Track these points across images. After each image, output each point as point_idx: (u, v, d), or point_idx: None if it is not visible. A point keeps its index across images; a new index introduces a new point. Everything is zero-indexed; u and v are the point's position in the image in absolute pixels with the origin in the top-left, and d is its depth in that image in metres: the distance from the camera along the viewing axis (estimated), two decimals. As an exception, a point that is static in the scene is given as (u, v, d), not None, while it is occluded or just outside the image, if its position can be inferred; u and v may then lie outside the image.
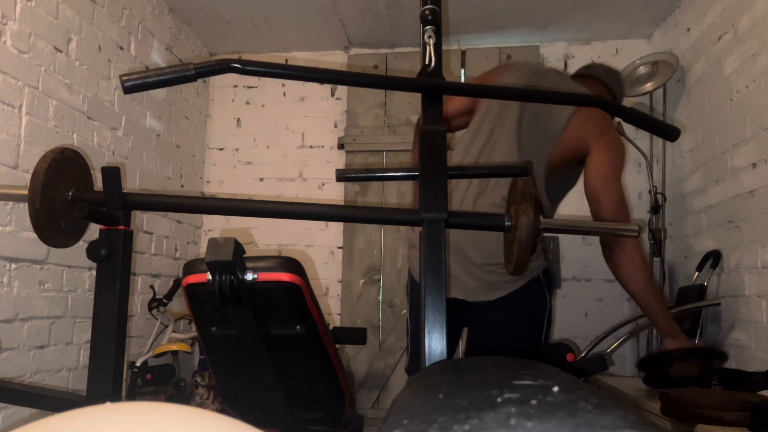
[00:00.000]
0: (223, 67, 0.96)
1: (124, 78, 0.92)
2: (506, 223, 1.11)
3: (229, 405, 1.54)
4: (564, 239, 3.29)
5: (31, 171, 1.19)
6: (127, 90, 0.92)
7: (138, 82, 0.92)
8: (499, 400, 0.40)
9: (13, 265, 2.09)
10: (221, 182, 3.69)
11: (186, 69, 0.93)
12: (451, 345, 1.04)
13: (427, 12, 1.07)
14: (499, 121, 1.74)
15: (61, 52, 2.34)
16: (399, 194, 3.47)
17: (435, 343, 0.93)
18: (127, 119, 2.81)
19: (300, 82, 3.54)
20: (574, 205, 3.29)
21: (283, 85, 3.68)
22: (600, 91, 1.98)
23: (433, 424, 0.37)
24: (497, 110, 1.76)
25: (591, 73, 2.04)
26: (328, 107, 3.63)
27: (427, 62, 1.08)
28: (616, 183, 1.61)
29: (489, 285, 1.66)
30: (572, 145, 1.68)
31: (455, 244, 1.67)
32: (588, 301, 3.25)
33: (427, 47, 1.08)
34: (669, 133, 1.22)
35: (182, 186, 3.39)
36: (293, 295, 1.27)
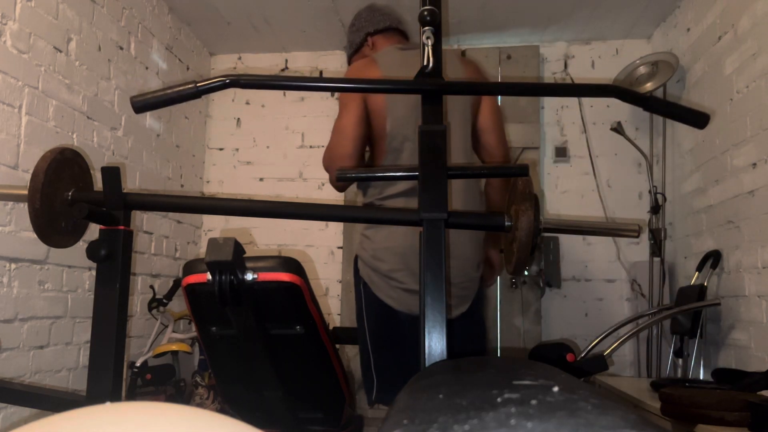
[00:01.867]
0: (224, 83, 1.01)
1: (134, 99, 1.02)
2: (506, 223, 1.12)
3: (229, 405, 1.54)
4: (564, 239, 3.29)
5: (31, 171, 1.19)
6: (138, 110, 1.02)
7: (147, 102, 1.02)
8: (499, 400, 0.40)
9: (13, 265, 2.09)
10: (221, 182, 3.69)
11: (189, 88, 1.01)
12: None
13: (425, 13, 1.07)
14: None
15: (61, 52, 2.34)
16: (399, 194, 3.46)
17: (435, 343, 0.93)
18: (127, 119, 2.81)
19: (300, 82, 3.53)
20: (574, 205, 3.30)
21: (283, 85, 3.67)
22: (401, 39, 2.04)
23: (433, 424, 0.37)
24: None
25: (396, 27, 2.10)
26: (328, 107, 3.63)
27: (425, 63, 1.08)
28: (502, 123, 1.87)
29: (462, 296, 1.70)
30: (476, 104, 1.77)
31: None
32: (588, 301, 3.25)
33: (426, 48, 1.08)
34: (696, 119, 1.07)
35: (182, 186, 3.39)
36: (293, 295, 1.27)
